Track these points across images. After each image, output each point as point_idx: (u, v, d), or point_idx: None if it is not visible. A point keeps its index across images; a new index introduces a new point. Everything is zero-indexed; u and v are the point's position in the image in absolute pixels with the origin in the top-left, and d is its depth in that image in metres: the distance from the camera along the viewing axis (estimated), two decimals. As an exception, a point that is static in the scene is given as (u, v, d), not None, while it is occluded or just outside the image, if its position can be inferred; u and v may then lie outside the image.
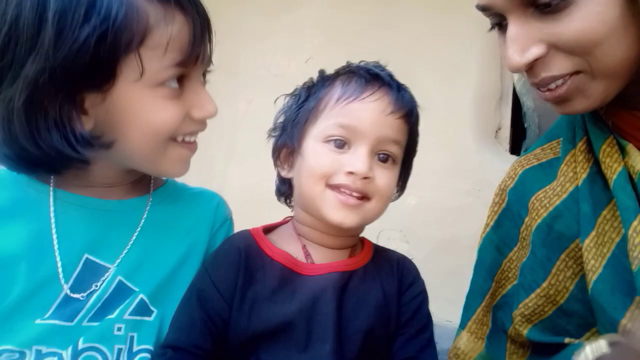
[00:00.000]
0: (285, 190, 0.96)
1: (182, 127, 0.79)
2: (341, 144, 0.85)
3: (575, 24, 0.68)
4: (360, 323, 0.85)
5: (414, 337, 0.88)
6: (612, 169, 0.77)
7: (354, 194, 0.84)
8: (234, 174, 2.14)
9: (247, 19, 2.25)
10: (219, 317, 0.82)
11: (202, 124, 0.83)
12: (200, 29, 0.77)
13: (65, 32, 0.67)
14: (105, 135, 0.74)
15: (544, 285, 0.83)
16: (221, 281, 0.83)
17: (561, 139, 0.91)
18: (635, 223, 0.72)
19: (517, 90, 1.93)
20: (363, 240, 0.97)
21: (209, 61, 0.83)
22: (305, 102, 0.93)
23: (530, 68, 0.73)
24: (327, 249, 0.90)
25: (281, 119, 0.97)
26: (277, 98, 0.98)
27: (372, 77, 0.90)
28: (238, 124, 2.19)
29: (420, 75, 1.98)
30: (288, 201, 0.98)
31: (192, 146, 0.84)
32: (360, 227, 0.91)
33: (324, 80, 0.93)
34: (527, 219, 0.88)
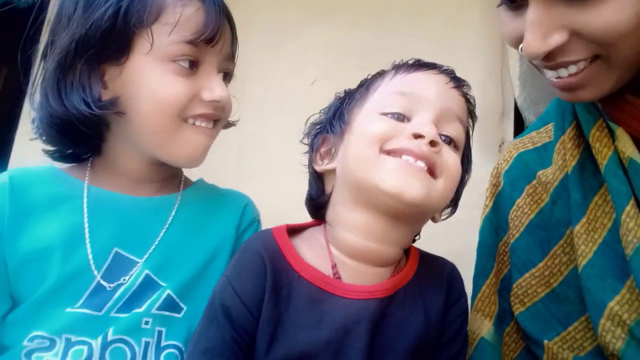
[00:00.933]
0: (318, 192, 0.83)
1: (191, 107, 0.82)
2: (400, 116, 0.72)
3: (607, 14, 0.64)
4: (396, 356, 0.73)
5: (456, 356, 0.81)
6: (603, 154, 0.78)
7: (419, 164, 0.69)
8: (243, 191, 2.17)
9: (252, 44, 2.29)
10: (248, 335, 0.73)
11: (213, 108, 0.84)
12: (216, 15, 0.80)
13: (91, 9, 0.78)
14: (119, 106, 0.81)
15: (540, 265, 0.84)
16: (248, 296, 0.73)
17: (552, 124, 0.92)
18: (628, 208, 0.73)
19: (518, 106, 1.96)
20: (409, 249, 0.84)
21: (229, 57, 0.87)
22: (357, 89, 0.84)
23: (547, 54, 0.70)
24: (364, 266, 0.75)
25: (322, 117, 0.88)
26: (310, 117, 0.93)
27: (425, 63, 0.84)
28: (246, 146, 2.22)
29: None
30: (318, 211, 0.85)
31: (205, 131, 0.85)
32: (421, 215, 0.78)
33: (374, 75, 0.85)
34: (519, 201, 0.89)
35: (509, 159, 0.95)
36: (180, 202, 0.90)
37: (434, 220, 0.84)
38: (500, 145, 1.99)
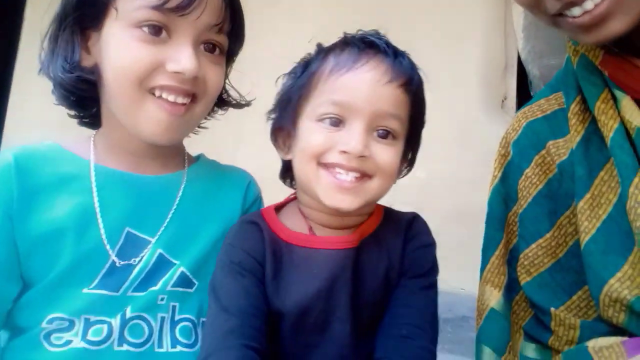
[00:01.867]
0: (287, 172, 0.92)
1: (155, 76, 0.77)
2: (336, 121, 0.79)
3: None
4: (369, 296, 0.83)
5: (409, 282, 0.86)
6: (608, 126, 0.76)
7: (350, 174, 0.78)
8: (243, 157, 2.14)
9: (249, 3, 2.23)
10: (263, 284, 0.80)
11: (178, 81, 0.78)
12: None
13: None
14: (97, 73, 0.80)
15: (548, 235, 0.83)
16: (254, 251, 0.81)
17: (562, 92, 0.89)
18: (636, 180, 0.71)
19: (522, 59, 1.91)
20: (374, 207, 0.90)
21: (212, 27, 0.81)
22: (300, 77, 0.88)
23: None
24: (333, 230, 0.85)
25: (278, 100, 0.92)
26: (278, 78, 0.94)
27: (366, 45, 0.85)
28: (244, 108, 2.19)
29: (425, 49, 1.96)
30: (293, 183, 0.94)
31: (172, 107, 0.79)
32: (365, 208, 0.85)
33: (319, 54, 0.88)
34: (528, 171, 0.87)
35: (517, 128, 0.91)
36: (187, 180, 0.89)
37: (394, 183, 0.89)
38: (502, 101, 1.95)
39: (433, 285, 0.88)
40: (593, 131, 0.79)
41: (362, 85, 0.81)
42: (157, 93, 0.78)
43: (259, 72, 2.19)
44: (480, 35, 1.97)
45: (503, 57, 1.95)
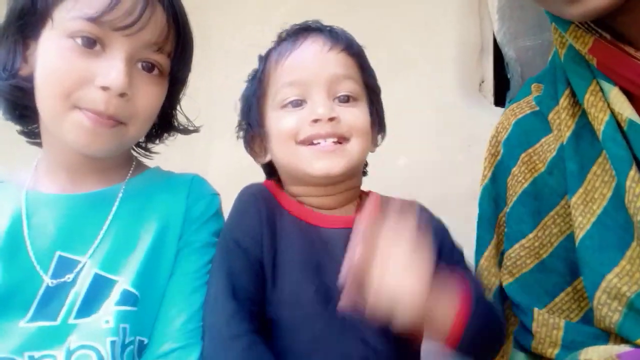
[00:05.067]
0: (269, 172, 0.95)
1: (82, 91, 0.74)
2: (297, 102, 0.82)
3: None
4: None
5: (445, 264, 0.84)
6: (599, 119, 0.74)
7: (328, 140, 0.80)
8: (216, 149, 2.10)
9: (215, -10, 2.17)
10: (259, 263, 0.80)
11: (104, 99, 0.74)
12: (134, 1, 0.74)
13: None
14: (32, 82, 0.78)
15: (531, 236, 0.82)
16: (252, 230, 0.81)
17: (543, 87, 0.88)
18: (631, 172, 0.69)
19: (498, 41, 1.89)
20: (369, 194, 0.94)
21: (153, 46, 0.77)
22: (253, 81, 0.92)
23: None
24: (329, 210, 0.87)
25: (240, 113, 0.95)
26: (237, 102, 0.96)
27: (300, 30, 0.89)
28: (215, 99, 2.12)
29: (399, 35, 1.93)
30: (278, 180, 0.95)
31: (92, 117, 0.75)
32: (352, 172, 0.87)
33: (261, 59, 0.92)
34: (514, 170, 0.86)
35: (507, 126, 0.90)
36: (125, 193, 0.86)
37: (371, 151, 0.94)
38: (480, 84, 1.93)
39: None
40: (583, 125, 0.77)
41: (308, 58, 0.84)
42: (84, 105, 0.76)
43: (228, 63, 2.14)
44: (455, 19, 1.95)
45: (479, 39, 1.93)
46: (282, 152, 0.84)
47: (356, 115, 0.84)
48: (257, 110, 0.88)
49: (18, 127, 0.89)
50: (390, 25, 1.92)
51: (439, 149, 1.82)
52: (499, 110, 1.85)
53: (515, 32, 1.86)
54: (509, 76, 1.93)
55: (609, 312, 0.69)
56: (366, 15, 1.87)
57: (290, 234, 0.84)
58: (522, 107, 0.91)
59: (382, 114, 0.95)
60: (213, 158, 2.17)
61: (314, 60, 0.83)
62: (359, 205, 0.90)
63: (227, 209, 0.93)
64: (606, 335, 0.72)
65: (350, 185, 0.89)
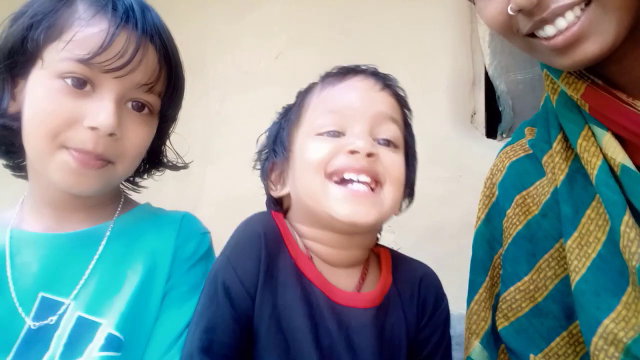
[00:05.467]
0: (277, 208, 0.86)
1: (70, 132, 0.74)
2: (335, 133, 0.75)
3: None
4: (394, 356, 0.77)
5: (436, 341, 0.82)
6: (592, 163, 0.74)
7: (362, 178, 0.72)
8: (211, 176, 2.10)
9: (213, 20, 2.20)
10: (246, 316, 0.73)
11: (93, 139, 0.74)
12: (125, 41, 0.74)
13: (16, 24, 0.77)
14: (19, 121, 0.77)
15: (526, 279, 0.81)
16: (246, 277, 0.73)
17: (536, 130, 0.88)
18: (625, 217, 0.69)
19: (489, 74, 1.93)
20: (378, 253, 0.86)
21: (142, 86, 0.77)
22: (290, 110, 0.85)
23: (538, 3, 0.66)
24: (333, 267, 0.79)
25: (265, 142, 0.88)
26: (259, 137, 0.90)
27: (348, 69, 0.83)
28: (211, 126, 2.14)
29: (393, 65, 1.95)
30: (283, 212, 0.86)
31: (79, 158, 0.75)
32: (376, 230, 0.82)
33: (301, 93, 0.85)
34: (509, 212, 0.86)
35: (502, 168, 0.91)
36: (112, 231, 0.83)
37: (395, 214, 0.84)
38: (472, 116, 1.96)
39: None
40: (577, 169, 0.77)
41: (356, 91, 0.77)
42: (71, 144, 0.75)
43: (224, 90, 2.16)
44: (448, 53, 1.99)
45: (471, 72, 1.96)
46: (306, 184, 0.75)
47: (394, 160, 0.76)
48: (286, 135, 0.80)
49: (3, 161, 0.87)
50: (384, 56, 1.95)
51: (430, 180, 1.83)
52: (491, 141, 1.87)
53: (507, 66, 1.90)
54: (500, 109, 1.97)
55: (606, 358, 0.68)
56: (360, 45, 1.90)
57: (292, 290, 0.74)
58: (516, 150, 0.91)
59: (415, 170, 0.86)
60: (207, 184, 2.17)
61: (361, 95, 0.77)
62: (365, 269, 0.81)
63: (220, 234, 0.89)
64: None
65: (365, 243, 0.82)
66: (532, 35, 0.71)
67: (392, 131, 0.77)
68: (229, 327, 0.72)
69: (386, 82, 0.81)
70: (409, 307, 0.81)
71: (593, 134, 0.75)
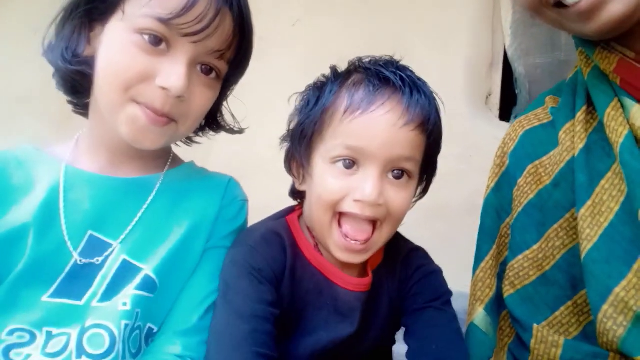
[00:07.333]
0: (296, 194, 0.95)
1: (142, 87, 0.75)
2: (350, 164, 0.79)
3: None
4: (373, 337, 0.89)
5: (428, 305, 0.88)
6: (618, 132, 0.75)
7: (364, 225, 0.81)
8: (219, 141, 2.11)
9: None
10: (273, 296, 0.82)
11: (162, 98, 0.76)
12: (205, 6, 0.75)
13: None
14: (92, 65, 0.80)
15: (535, 247, 0.82)
16: (274, 262, 0.83)
17: (560, 99, 0.89)
18: None
19: (508, 56, 1.90)
20: None
21: (215, 52, 0.78)
22: (313, 110, 0.85)
23: None
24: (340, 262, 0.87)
25: (292, 125, 0.91)
26: (291, 96, 0.91)
27: (381, 82, 0.81)
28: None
29: (412, 41, 1.93)
30: (302, 202, 0.94)
31: (148, 114, 0.77)
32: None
33: (333, 84, 0.85)
34: (520, 181, 0.87)
35: (514, 138, 0.91)
36: (162, 183, 0.87)
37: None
38: (487, 97, 1.94)
39: (450, 303, 0.90)
40: (594, 141, 0.79)
41: (378, 130, 0.78)
42: (141, 100, 0.77)
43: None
44: (468, 31, 1.96)
45: (490, 53, 1.94)
46: (318, 215, 0.83)
47: (401, 199, 0.81)
48: (309, 144, 0.85)
49: (68, 97, 0.89)
50: (404, 30, 1.93)
51: (440, 157, 1.83)
52: (504, 124, 1.86)
53: (527, 49, 1.87)
54: (517, 92, 1.94)
55: (614, 326, 0.70)
56: (382, 20, 1.87)
57: (307, 284, 0.86)
58: (530, 119, 0.92)
59: (432, 179, 0.93)
60: (215, 149, 2.17)
61: (383, 136, 0.78)
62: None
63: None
64: (605, 355, 0.72)
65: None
66: (559, 5, 0.72)
67: (406, 166, 0.81)
68: (268, 302, 0.80)
69: (410, 113, 0.79)
70: (392, 277, 0.91)
71: (622, 106, 0.76)
